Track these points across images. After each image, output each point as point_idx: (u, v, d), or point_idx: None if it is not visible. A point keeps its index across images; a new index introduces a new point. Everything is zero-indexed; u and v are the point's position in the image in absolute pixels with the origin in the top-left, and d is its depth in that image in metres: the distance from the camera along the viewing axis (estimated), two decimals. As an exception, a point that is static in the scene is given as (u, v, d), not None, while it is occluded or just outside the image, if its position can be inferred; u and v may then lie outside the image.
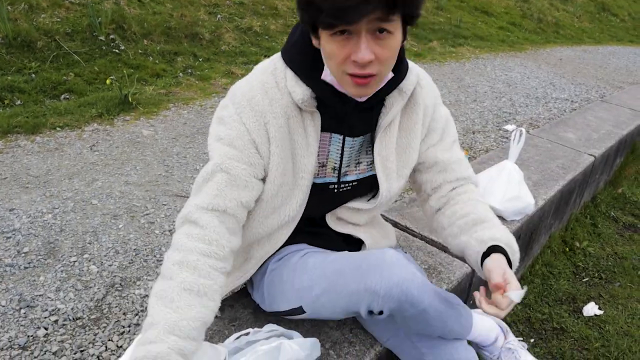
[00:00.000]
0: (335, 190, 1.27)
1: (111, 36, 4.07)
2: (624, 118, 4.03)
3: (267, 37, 5.08)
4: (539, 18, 9.44)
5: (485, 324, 1.46)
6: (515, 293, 1.06)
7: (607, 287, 2.63)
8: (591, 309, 2.40)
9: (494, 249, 1.19)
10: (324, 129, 1.18)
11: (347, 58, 0.99)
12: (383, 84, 1.13)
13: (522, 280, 2.55)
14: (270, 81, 1.14)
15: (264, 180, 1.18)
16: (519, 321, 2.27)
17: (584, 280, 2.68)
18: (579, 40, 9.21)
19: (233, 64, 4.42)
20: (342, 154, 1.23)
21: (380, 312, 1.12)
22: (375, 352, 1.36)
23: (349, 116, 1.17)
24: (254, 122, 1.12)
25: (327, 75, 1.10)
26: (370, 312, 1.14)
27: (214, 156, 1.13)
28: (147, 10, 4.50)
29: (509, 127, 3.72)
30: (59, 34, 3.81)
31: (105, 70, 3.74)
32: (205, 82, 3.99)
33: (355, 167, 1.27)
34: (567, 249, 2.91)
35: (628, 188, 3.75)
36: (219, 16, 4.96)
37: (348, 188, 1.29)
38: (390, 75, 1.14)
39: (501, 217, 2.07)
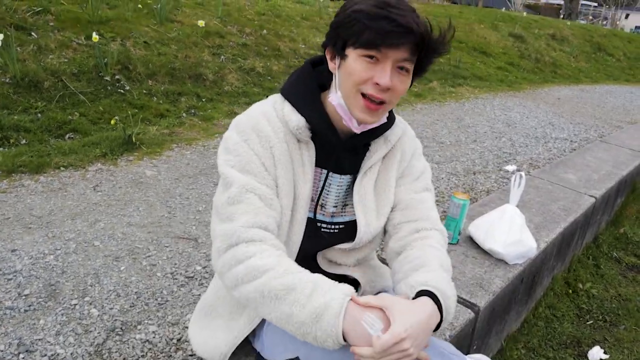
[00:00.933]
0: (323, 229, 1.30)
1: (116, 76, 4.14)
2: (623, 158, 4.06)
3: (269, 77, 5.17)
4: (537, 58, 9.62)
5: None
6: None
7: (612, 330, 2.60)
8: (596, 353, 2.36)
9: (422, 293, 1.11)
10: (317, 163, 1.25)
11: (368, 79, 1.09)
12: (381, 122, 1.22)
13: (525, 323, 2.53)
14: (270, 111, 1.21)
15: None
16: (523, 366, 2.24)
17: (588, 323, 2.65)
18: (576, 80, 9.36)
19: (236, 104, 4.49)
20: (329, 191, 1.28)
21: None
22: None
23: (338, 151, 1.24)
24: (261, 147, 1.17)
25: (334, 99, 1.16)
26: None
27: (234, 181, 1.14)
28: (152, 51, 4.59)
29: (510, 167, 3.74)
30: (66, 74, 3.88)
31: (109, 110, 3.79)
32: (208, 122, 4.04)
33: (342, 209, 1.32)
34: (571, 291, 2.89)
35: (630, 228, 3.75)
36: (222, 57, 5.06)
37: (336, 231, 1.32)
38: (384, 120, 1.23)
39: (503, 261, 2.07)
